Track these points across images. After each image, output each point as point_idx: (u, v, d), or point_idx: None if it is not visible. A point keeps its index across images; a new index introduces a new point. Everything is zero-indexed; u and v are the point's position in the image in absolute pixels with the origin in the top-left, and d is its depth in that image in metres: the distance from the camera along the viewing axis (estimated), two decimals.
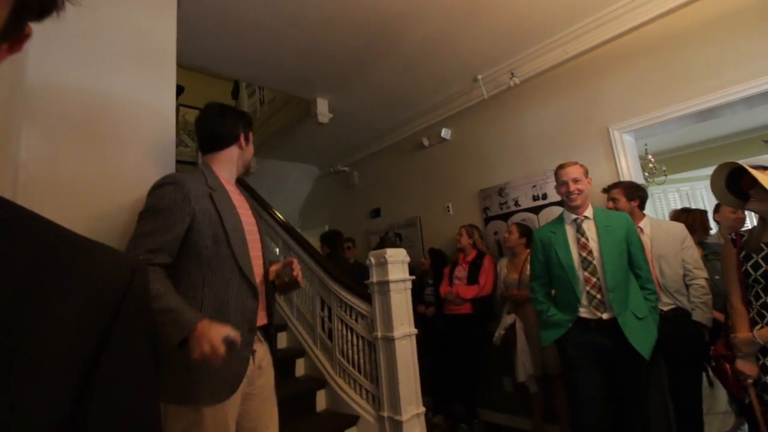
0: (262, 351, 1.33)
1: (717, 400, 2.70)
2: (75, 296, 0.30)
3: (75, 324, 0.29)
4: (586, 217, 1.91)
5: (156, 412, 0.36)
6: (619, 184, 2.27)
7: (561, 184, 1.91)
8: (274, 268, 1.41)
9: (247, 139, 1.40)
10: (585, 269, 1.80)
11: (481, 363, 3.02)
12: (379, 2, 2.32)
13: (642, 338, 1.72)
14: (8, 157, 1.09)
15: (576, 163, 1.95)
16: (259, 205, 3.36)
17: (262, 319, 1.32)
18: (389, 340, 2.21)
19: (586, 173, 1.94)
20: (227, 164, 1.37)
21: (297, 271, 1.38)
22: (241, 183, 3.52)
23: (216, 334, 1.00)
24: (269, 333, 1.39)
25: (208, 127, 1.35)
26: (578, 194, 1.87)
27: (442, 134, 3.62)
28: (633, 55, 2.54)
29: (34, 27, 0.33)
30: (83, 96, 1.36)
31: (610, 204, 2.20)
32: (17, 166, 1.17)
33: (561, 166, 1.95)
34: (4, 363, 0.25)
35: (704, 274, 2.05)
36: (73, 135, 1.32)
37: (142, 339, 0.34)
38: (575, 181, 1.87)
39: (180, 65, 1.85)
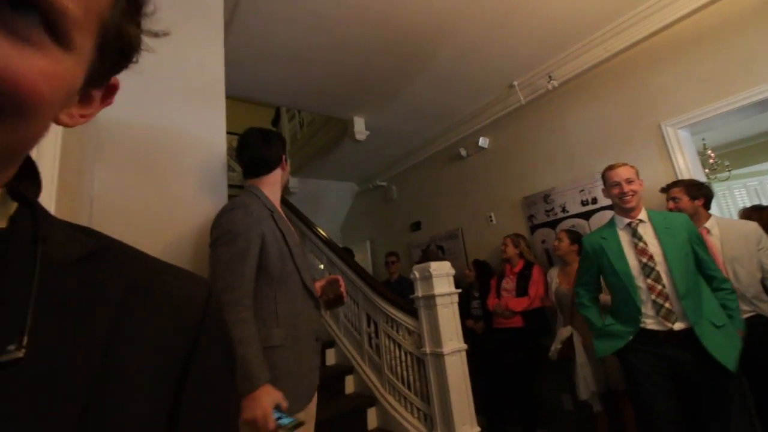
0: None
1: None
2: (162, 318, 0.32)
3: (163, 346, 0.31)
4: (641, 221, 1.78)
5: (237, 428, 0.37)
6: (680, 182, 2.12)
7: (612, 185, 1.81)
8: (319, 284, 1.45)
9: (286, 160, 1.47)
10: (648, 276, 1.67)
11: (537, 380, 2.87)
12: (410, 20, 2.36)
13: (724, 349, 1.56)
14: (83, 190, 1.20)
15: (626, 164, 1.85)
16: (303, 223, 3.46)
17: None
18: (438, 356, 2.16)
19: (637, 174, 1.83)
20: (274, 186, 1.42)
21: (342, 287, 1.42)
22: (284, 202, 3.65)
23: (270, 403, 1.05)
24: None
25: (253, 152, 1.40)
26: (633, 195, 1.75)
27: (480, 143, 3.57)
28: (682, 45, 2.40)
29: None
30: (145, 131, 1.47)
31: (671, 204, 2.05)
32: (91, 198, 1.28)
33: (610, 167, 1.85)
34: (108, 386, 0.27)
35: None
36: (138, 167, 1.43)
37: (222, 358, 0.35)
38: (628, 181, 1.77)
39: (226, 95, 1.97)
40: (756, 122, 4.35)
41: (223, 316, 0.38)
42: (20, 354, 0.24)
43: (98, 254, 0.32)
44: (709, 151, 4.10)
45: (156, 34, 0.34)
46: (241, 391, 1.06)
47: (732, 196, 5.62)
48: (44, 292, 0.26)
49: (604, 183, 1.87)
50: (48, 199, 0.89)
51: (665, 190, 2.15)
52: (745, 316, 1.84)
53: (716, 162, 4.10)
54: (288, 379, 1.16)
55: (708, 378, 1.58)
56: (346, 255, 3.06)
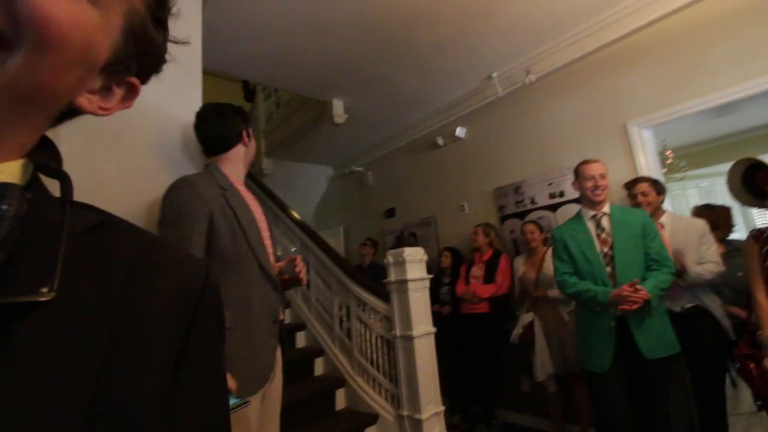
0: (277, 352, 1.34)
1: (741, 402, 2.64)
2: (166, 287, 0.34)
3: (168, 313, 0.33)
4: (605, 213, 1.92)
5: (227, 397, 0.39)
6: (647, 179, 2.24)
7: (587, 179, 1.91)
8: (278, 264, 1.41)
9: (249, 136, 1.41)
10: (607, 265, 1.81)
11: (499, 362, 3.02)
12: (395, 5, 2.34)
13: (651, 337, 1.72)
14: None
15: (599, 161, 1.96)
16: (276, 205, 3.42)
17: (280, 314, 1.35)
18: (408, 339, 2.22)
19: (606, 171, 1.95)
20: (235, 164, 1.38)
21: (300, 268, 1.37)
22: (258, 184, 3.59)
23: None
24: (281, 332, 1.39)
25: (211, 129, 1.35)
26: (603, 190, 1.89)
27: (457, 133, 3.63)
28: (651, 49, 2.52)
29: None
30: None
31: (641, 198, 2.16)
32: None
33: (586, 162, 1.96)
34: (122, 346, 0.28)
35: (718, 266, 1.99)
36: (107, 140, 1.37)
37: (217, 328, 0.37)
38: (602, 176, 1.90)
39: (203, 71, 1.90)
40: (711, 127, 4.64)
41: (219, 291, 0.39)
42: (51, 296, 0.25)
43: (103, 227, 0.33)
44: (668, 152, 4.34)
45: (179, 42, 0.38)
46: None
47: (685, 195, 5.99)
48: (66, 253, 0.28)
49: (577, 176, 1.97)
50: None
51: (631, 185, 2.27)
52: (689, 305, 2.01)
53: (673, 162, 4.35)
54: (238, 360, 1.14)
55: (645, 361, 1.72)
56: (320, 238, 3.07)
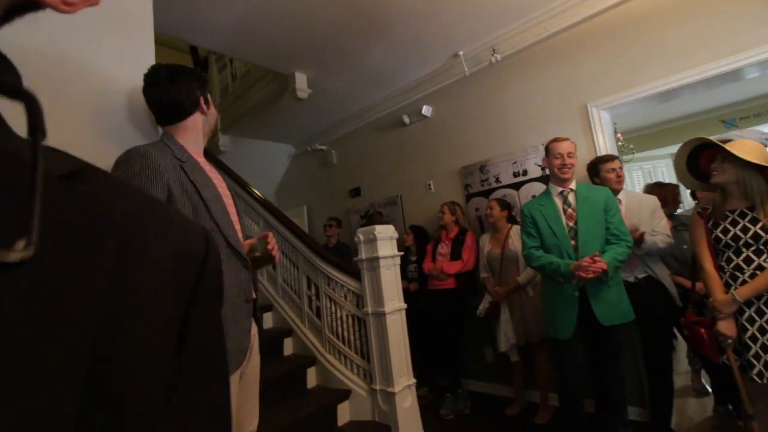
0: (253, 331, 1.29)
1: (679, 362, 2.94)
2: (170, 250, 0.29)
3: (172, 279, 0.28)
4: (572, 190, 2.00)
5: (228, 376, 0.35)
6: (615, 157, 2.34)
7: (555, 156, 1.98)
8: (248, 242, 1.33)
9: (207, 102, 1.28)
10: (572, 238, 1.89)
11: (464, 335, 3.13)
12: None
13: (607, 305, 1.85)
14: None
15: (568, 139, 2.03)
16: (236, 182, 3.26)
17: (252, 293, 1.28)
18: (380, 316, 2.23)
19: (575, 150, 2.02)
20: (192, 133, 1.25)
21: (272, 245, 1.30)
22: (214, 161, 3.39)
23: None
24: (255, 310, 1.33)
25: (161, 96, 1.21)
26: (570, 168, 1.96)
27: (423, 111, 3.61)
28: (611, 33, 2.61)
29: None
30: (56, 61, 1.24)
31: (612, 174, 2.25)
32: None
33: (556, 140, 2.02)
34: (122, 305, 0.24)
35: (669, 238, 2.15)
36: (51, 101, 1.21)
37: (219, 302, 0.33)
38: (569, 155, 1.97)
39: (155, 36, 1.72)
40: (657, 111, 4.96)
41: (220, 257, 0.35)
42: (30, 253, 0.20)
43: (83, 174, 0.27)
44: (619, 134, 4.60)
45: None
46: None
47: (630, 177, 6.42)
48: (43, 199, 0.22)
49: (547, 154, 2.04)
50: None
51: (604, 160, 2.33)
52: (641, 276, 2.17)
53: (623, 144, 4.62)
54: None
55: (603, 329, 1.85)
56: (284, 216, 2.97)
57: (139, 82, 1.28)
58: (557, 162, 1.97)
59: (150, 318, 0.25)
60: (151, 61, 1.52)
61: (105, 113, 1.35)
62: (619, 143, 4.56)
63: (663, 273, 2.17)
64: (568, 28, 2.77)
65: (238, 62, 4.26)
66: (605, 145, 2.64)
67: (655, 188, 2.67)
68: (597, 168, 2.33)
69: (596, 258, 1.77)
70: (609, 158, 2.33)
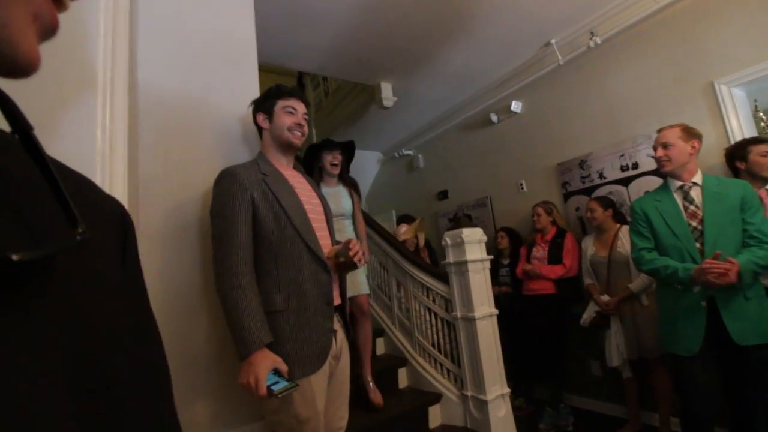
0: (340, 334, 1.34)
1: None
2: (106, 212, 0.37)
3: (112, 231, 0.36)
4: (694, 184, 1.71)
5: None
6: (758, 139, 1.97)
7: (654, 149, 1.75)
8: (334, 248, 1.37)
9: (270, 114, 1.36)
10: (697, 240, 1.62)
11: (566, 346, 2.88)
12: None
13: (744, 322, 1.53)
14: (132, 154, 1.23)
15: (674, 126, 1.76)
16: None
17: (336, 299, 1.33)
18: (470, 321, 2.18)
19: (685, 136, 1.72)
20: (270, 148, 1.39)
21: (355, 251, 1.30)
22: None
23: (265, 368, 1.06)
24: (344, 315, 1.39)
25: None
26: (667, 161, 1.71)
27: (512, 108, 3.44)
28: None
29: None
30: (183, 97, 1.48)
31: (766, 159, 1.91)
32: (137, 161, 1.32)
33: (659, 129, 1.78)
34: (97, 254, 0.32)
35: None
36: (177, 132, 1.45)
37: (139, 263, 0.40)
38: (664, 146, 1.72)
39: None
40: None
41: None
42: (88, 235, 0.28)
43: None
44: (761, 113, 3.81)
45: None
46: (238, 355, 1.10)
47: None
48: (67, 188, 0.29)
49: None
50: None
51: (737, 149, 1.99)
52: None
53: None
54: (290, 343, 1.16)
55: (743, 346, 1.54)
56: (375, 222, 3.08)
57: (248, 111, 1.48)
58: (654, 155, 1.74)
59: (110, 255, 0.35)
60: (256, 89, 1.72)
61: (224, 136, 1.57)
62: (762, 123, 3.78)
63: None
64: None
65: (331, 79, 4.56)
66: (740, 127, 2.22)
67: None
68: (745, 150, 1.97)
69: (728, 257, 1.48)
70: (761, 140, 1.96)
